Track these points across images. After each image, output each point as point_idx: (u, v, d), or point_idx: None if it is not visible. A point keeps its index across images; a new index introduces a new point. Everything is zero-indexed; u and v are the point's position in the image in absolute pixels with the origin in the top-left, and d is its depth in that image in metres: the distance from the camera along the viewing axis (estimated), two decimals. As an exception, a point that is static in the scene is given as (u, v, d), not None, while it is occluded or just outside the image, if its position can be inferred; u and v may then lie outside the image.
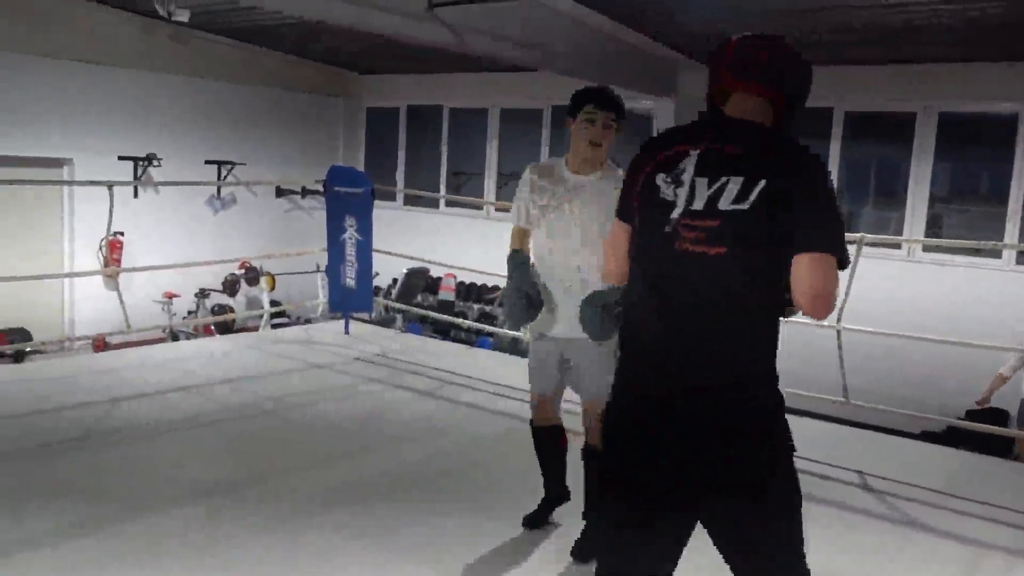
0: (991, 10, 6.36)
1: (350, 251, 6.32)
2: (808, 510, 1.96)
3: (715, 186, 1.85)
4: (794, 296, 1.82)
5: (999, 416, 7.42)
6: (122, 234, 9.66)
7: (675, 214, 1.89)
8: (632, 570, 1.95)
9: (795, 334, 2.74)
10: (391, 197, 12.14)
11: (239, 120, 10.96)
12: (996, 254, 8.19)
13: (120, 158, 9.68)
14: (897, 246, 8.48)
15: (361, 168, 12.39)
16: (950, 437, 6.49)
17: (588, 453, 3.14)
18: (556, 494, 3.46)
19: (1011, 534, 3.70)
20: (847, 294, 4.47)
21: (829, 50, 7.87)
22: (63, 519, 3.36)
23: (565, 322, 3.12)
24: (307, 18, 7.82)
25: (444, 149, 11.82)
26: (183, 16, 8.53)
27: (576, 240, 3.09)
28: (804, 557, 1.92)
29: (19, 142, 8.86)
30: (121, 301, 5.73)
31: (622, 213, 2.09)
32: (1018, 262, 8.12)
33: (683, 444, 1.86)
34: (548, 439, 3.41)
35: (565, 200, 3.11)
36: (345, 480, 3.92)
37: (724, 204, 1.83)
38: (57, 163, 9.36)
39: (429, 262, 8.30)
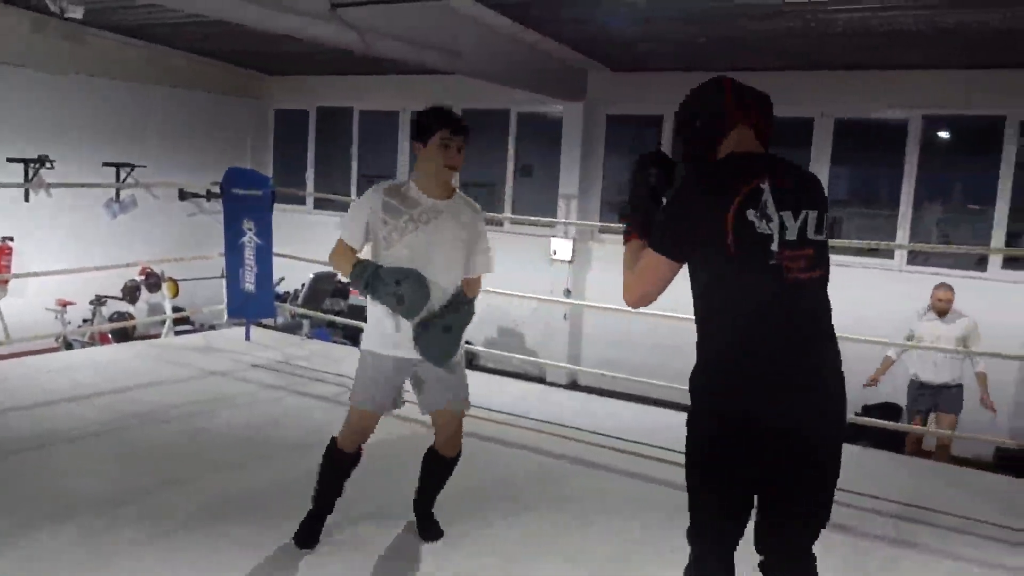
0: (878, 21, 6.62)
1: (249, 255, 6.15)
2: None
3: (799, 219, 2.15)
4: None
5: (893, 411, 7.74)
6: (11, 239, 9.21)
7: (774, 247, 2.11)
8: (733, 545, 2.27)
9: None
10: (300, 201, 11.92)
11: (139, 121, 10.58)
12: (889, 255, 8.55)
13: (9, 160, 9.22)
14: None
15: (270, 171, 12.16)
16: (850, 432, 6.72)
17: (436, 460, 3.36)
18: (328, 511, 3.38)
19: (894, 525, 3.83)
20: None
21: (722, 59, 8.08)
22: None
23: (409, 346, 3.12)
24: (209, 17, 7.59)
25: (354, 152, 11.67)
26: (77, 13, 8.17)
27: (441, 262, 3.10)
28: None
29: None
30: None
31: (675, 252, 2.19)
32: (909, 262, 8.50)
33: (807, 448, 2.18)
34: (351, 464, 3.28)
35: (422, 223, 3.08)
36: (238, 489, 3.80)
37: (811, 234, 2.16)
38: (-61, 164, 8.87)
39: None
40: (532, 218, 9.48)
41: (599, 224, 9.84)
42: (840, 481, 2.24)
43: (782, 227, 2.10)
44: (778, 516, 2.23)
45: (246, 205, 6.18)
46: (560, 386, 8.41)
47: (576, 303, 9.26)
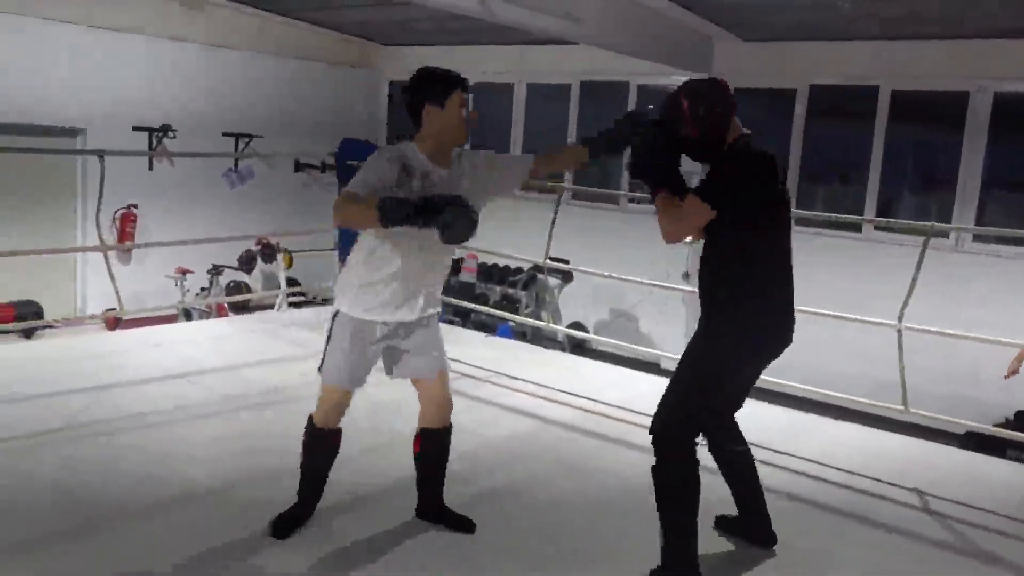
0: None
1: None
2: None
3: (784, 187, 2.97)
4: None
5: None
6: (135, 206, 9.41)
7: (788, 213, 2.99)
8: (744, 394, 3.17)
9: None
10: (413, 173, 11.80)
11: (257, 91, 10.63)
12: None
13: (135, 128, 9.40)
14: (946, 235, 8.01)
15: (384, 143, 12.07)
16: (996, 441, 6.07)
17: (430, 439, 3.17)
18: (316, 499, 3.18)
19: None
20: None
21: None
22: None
23: (411, 307, 2.95)
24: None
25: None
26: (197, -20, 8.20)
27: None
28: None
29: (31, 110, 8.58)
30: (113, 282, 5.34)
31: (722, 201, 2.77)
32: None
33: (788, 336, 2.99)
34: (333, 443, 3.12)
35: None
36: (349, 486, 3.59)
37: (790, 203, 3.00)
38: (71, 132, 9.09)
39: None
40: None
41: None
42: None
43: (786, 196, 2.96)
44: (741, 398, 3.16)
45: (359, 179, 5.99)
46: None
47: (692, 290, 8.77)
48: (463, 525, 3.22)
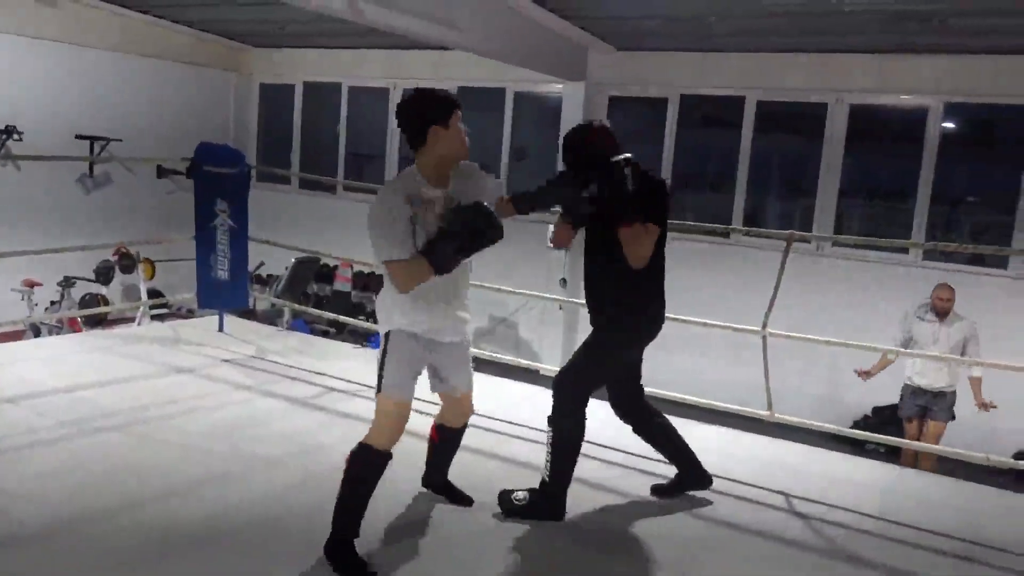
0: None
1: (222, 239, 5.65)
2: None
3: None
4: None
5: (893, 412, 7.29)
6: (-24, 214, 8.68)
7: (667, 229, 3.44)
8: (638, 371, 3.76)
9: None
10: (285, 181, 11.41)
11: (116, 93, 10.04)
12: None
13: (-26, 129, 8.69)
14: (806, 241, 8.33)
15: (254, 148, 11.63)
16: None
17: (447, 432, 3.40)
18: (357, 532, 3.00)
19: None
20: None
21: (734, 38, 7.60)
22: None
23: (451, 325, 3.10)
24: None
25: (342, 129, 11.14)
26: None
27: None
28: None
29: None
30: None
31: (661, 220, 3.37)
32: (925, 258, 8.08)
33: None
34: (385, 464, 3.00)
35: (439, 220, 2.94)
36: (188, 517, 3.32)
37: None
38: None
39: (319, 253, 7.65)
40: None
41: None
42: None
43: None
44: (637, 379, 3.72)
45: (219, 184, 5.67)
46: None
47: (571, 301, 8.80)
48: (463, 500, 3.51)
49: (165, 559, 2.97)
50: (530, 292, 6.31)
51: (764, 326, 4.59)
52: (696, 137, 9.44)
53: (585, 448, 3.52)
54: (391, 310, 3.00)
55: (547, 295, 8.27)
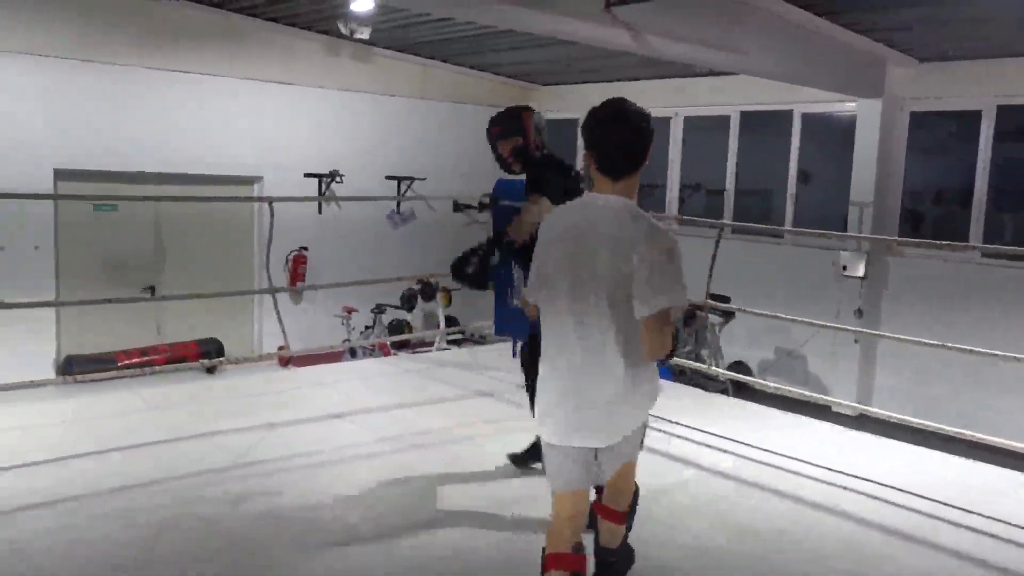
0: None
1: (516, 269, 5.93)
2: None
3: None
4: None
5: None
6: (306, 248, 9.90)
7: None
8: None
9: None
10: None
11: (418, 135, 11.00)
12: None
13: (306, 175, 9.93)
14: None
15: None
16: None
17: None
18: None
19: None
20: None
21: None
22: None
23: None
24: (495, 27, 7.66)
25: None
26: (364, 34, 8.59)
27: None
28: None
29: (215, 162, 9.25)
30: (280, 322, 5.50)
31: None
32: None
33: None
34: None
35: None
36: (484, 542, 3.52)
37: None
38: (248, 181, 9.72)
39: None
40: (819, 231, 8.41)
41: (896, 239, 8.64)
42: None
43: None
44: None
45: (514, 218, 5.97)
46: (847, 419, 7.43)
47: (866, 332, 8.19)
48: None
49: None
50: (820, 322, 5.96)
51: None
52: (1016, 151, 8.44)
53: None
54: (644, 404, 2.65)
55: (840, 325, 7.81)
